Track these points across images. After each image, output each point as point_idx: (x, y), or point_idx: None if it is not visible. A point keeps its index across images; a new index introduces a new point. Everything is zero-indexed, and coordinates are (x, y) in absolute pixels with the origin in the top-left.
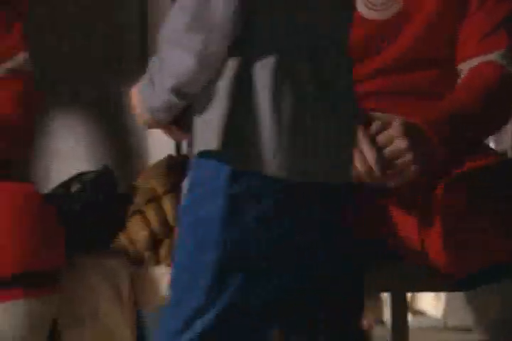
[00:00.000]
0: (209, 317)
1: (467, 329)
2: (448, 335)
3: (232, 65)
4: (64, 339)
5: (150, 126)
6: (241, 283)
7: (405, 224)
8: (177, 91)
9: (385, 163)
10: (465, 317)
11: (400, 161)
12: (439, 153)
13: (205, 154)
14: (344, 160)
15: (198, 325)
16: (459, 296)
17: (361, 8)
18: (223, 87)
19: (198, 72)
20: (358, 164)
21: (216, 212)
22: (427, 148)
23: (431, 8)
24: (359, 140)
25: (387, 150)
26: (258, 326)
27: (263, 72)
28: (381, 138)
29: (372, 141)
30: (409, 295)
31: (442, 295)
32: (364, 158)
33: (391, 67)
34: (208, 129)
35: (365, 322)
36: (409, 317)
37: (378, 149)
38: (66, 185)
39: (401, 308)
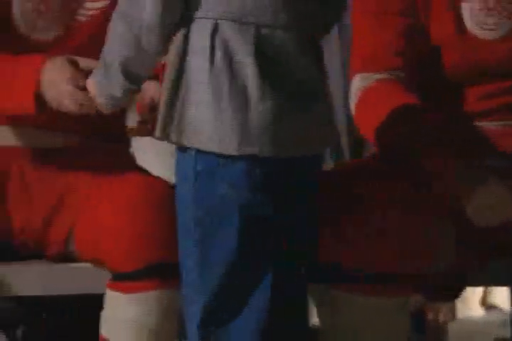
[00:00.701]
0: (198, 306)
1: None
2: None
3: (173, 47)
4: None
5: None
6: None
7: None
8: (125, 74)
9: None
10: None
11: None
12: None
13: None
14: (289, 131)
15: (194, 320)
16: None
17: (473, 28)
18: (167, 71)
19: (136, 58)
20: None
21: (189, 191)
22: None
23: None
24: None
25: None
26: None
27: (199, 55)
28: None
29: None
30: (481, 289)
31: None
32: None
33: None
34: (159, 114)
35: (441, 317)
36: (482, 311)
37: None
38: None
39: None
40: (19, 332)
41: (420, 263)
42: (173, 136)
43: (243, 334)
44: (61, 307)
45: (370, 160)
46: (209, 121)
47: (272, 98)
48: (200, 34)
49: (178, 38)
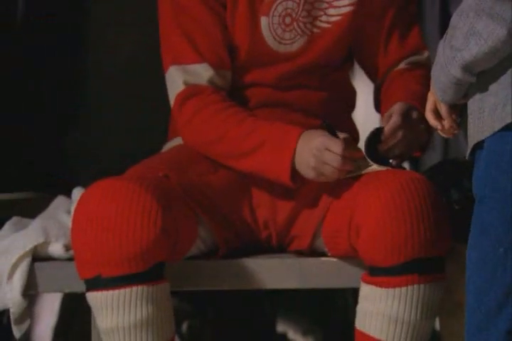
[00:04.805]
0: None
1: None
2: None
3: None
4: (442, 325)
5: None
6: None
7: None
8: (470, 65)
9: None
10: None
11: None
12: None
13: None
14: None
15: (500, 324)
16: None
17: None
18: None
19: (506, 44)
20: None
21: None
22: None
23: None
24: None
25: None
26: None
27: None
28: None
29: None
30: None
31: None
32: None
33: None
34: None
35: None
36: None
37: None
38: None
39: None
40: (184, 327)
41: None
42: None
43: None
44: (224, 302)
45: None
46: None
47: None
48: None
49: None
